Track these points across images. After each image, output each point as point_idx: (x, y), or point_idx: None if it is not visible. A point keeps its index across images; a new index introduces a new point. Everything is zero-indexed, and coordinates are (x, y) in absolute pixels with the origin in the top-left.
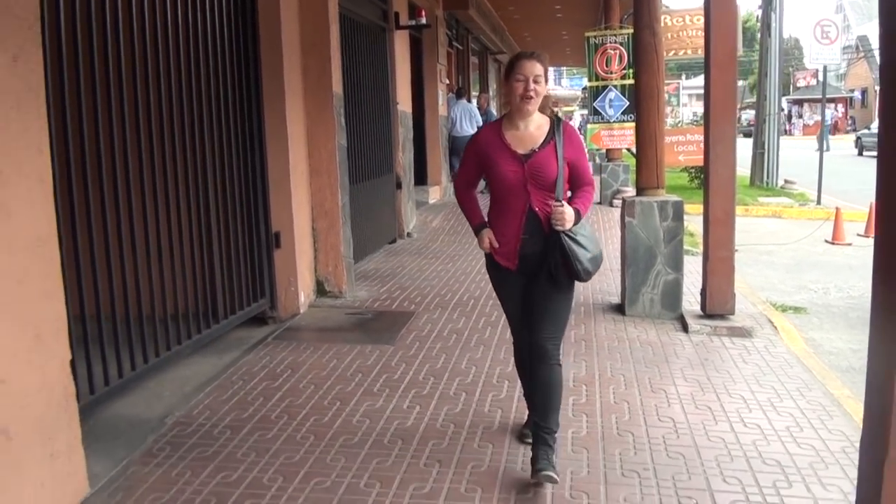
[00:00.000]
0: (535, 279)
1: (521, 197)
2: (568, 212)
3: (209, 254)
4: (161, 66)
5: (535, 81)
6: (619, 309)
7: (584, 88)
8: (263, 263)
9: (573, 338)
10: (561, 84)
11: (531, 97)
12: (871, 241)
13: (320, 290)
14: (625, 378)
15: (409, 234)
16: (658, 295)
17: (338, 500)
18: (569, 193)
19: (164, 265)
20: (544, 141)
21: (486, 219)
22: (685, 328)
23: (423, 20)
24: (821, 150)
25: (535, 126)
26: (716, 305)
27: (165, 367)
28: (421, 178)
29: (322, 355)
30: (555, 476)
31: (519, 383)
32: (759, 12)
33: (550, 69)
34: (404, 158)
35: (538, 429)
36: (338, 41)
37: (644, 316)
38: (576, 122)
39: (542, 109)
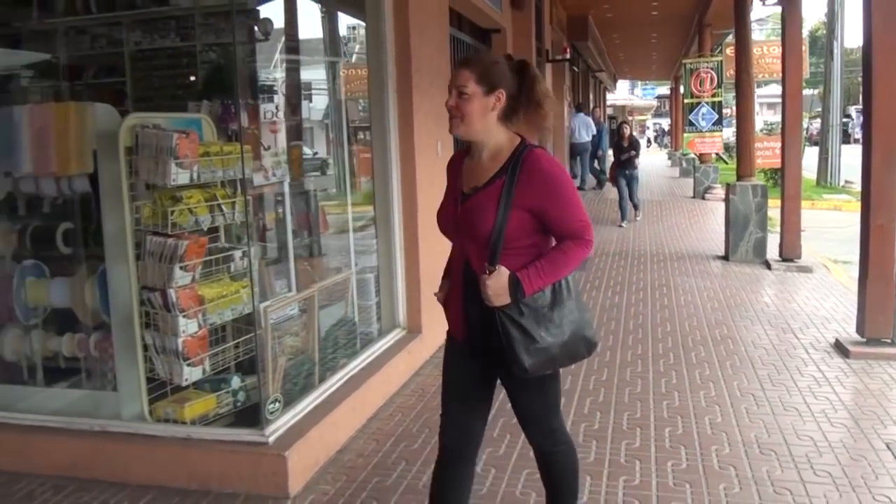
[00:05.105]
0: (498, 365)
1: (460, 250)
2: (495, 283)
3: None
4: None
5: (460, 95)
6: (724, 258)
7: (658, 97)
8: None
9: (701, 272)
10: (634, 93)
11: (452, 116)
12: None
13: None
14: (735, 287)
15: None
16: (751, 247)
17: None
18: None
19: None
20: (492, 177)
21: None
22: (769, 267)
23: (567, 56)
24: None
25: (491, 155)
26: (788, 252)
27: None
28: None
29: None
30: None
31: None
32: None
33: (624, 81)
34: None
35: None
36: None
37: (742, 261)
38: (649, 131)
39: (530, 125)
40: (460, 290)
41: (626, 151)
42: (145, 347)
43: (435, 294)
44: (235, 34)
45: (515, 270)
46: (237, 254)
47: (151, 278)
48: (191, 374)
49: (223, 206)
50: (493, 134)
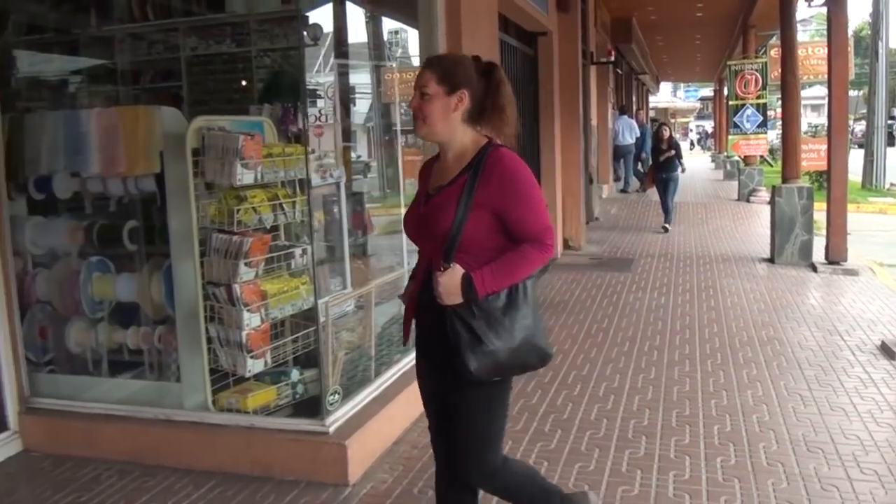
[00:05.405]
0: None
1: (422, 251)
2: (447, 281)
3: None
4: None
5: (422, 96)
6: (770, 260)
7: (701, 99)
8: None
9: (747, 274)
10: (677, 95)
11: (415, 117)
12: None
13: (565, 245)
14: (781, 289)
15: (596, 218)
16: (796, 249)
17: (639, 339)
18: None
19: None
20: (455, 177)
21: None
22: (815, 270)
23: (612, 58)
24: None
25: (456, 156)
26: (834, 255)
27: None
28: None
29: (588, 277)
30: None
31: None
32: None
33: (666, 83)
34: (593, 161)
35: None
36: (580, 80)
37: (787, 263)
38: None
39: (492, 129)
40: (416, 291)
41: (665, 153)
42: (209, 340)
43: (399, 296)
44: (299, 40)
45: (470, 271)
46: (297, 251)
47: (217, 274)
48: (254, 365)
49: (284, 206)
50: (457, 135)
